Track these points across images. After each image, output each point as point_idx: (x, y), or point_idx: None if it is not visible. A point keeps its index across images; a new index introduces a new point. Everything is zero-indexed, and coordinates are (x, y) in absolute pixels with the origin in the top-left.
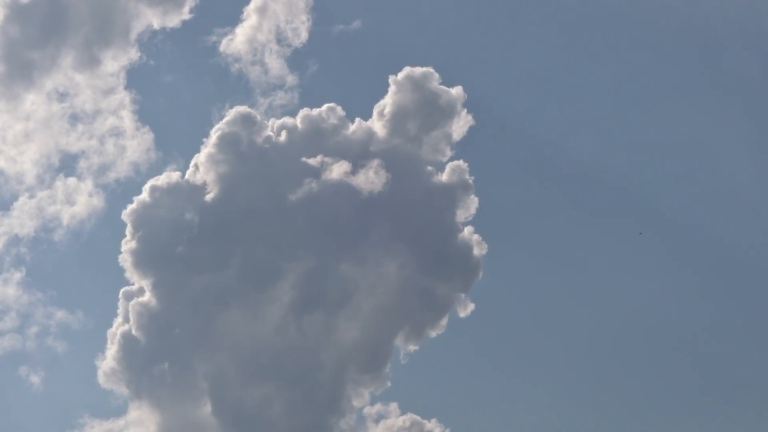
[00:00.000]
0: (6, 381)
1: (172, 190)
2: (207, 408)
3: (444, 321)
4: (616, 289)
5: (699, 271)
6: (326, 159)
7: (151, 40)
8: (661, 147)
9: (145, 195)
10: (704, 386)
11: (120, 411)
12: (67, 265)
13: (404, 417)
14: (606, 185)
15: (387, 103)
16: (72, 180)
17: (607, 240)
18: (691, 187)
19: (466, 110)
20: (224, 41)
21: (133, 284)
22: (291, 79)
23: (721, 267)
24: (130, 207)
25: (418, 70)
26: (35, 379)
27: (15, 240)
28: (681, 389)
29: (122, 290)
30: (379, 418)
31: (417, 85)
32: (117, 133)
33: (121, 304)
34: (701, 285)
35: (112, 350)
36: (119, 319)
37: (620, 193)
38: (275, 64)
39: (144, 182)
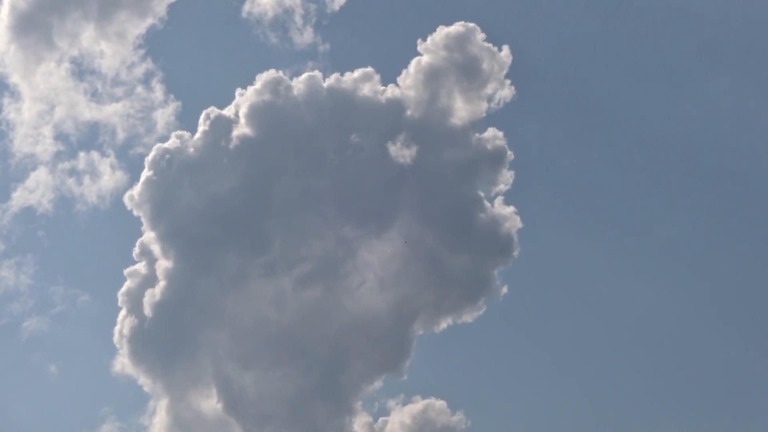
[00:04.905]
0: (22, 368)
1: (193, 161)
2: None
3: (475, 305)
4: (667, 266)
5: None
6: (356, 128)
7: (178, 5)
8: (718, 121)
9: (157, 168)
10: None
11: (138, 398)
12: (87, 245)
13: (426, 401)
14: (658, 160)
15: (422, 68)
16: (94, 154)
17: (653, 216)
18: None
19: (509, 81)
20: (250, 5)
21: (138, 264)
22: (323, 48)
23: None
24: (141, 183)
25: (455, 30)
26: (52, 366)
27: (32, 216)
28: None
29: (127, 271)
30: (400, 405)
31: (455, 46)
32: (141, 100)
33: (127, 287)
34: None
35: (124, 339)
36: (125, 308)
37: (672, 166)
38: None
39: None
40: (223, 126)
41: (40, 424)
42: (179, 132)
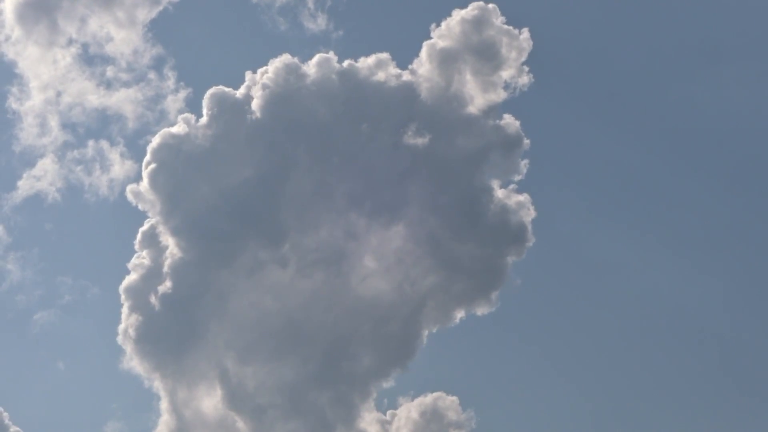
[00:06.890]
0: (29, 362)
1: (202, 152)
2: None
3: (489, 299)
4: (688, 255)
5: None
6: (370, 116)
7: None
8: (741, 108)
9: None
10: None
11: (144, 392)
12: (96, 236)
13: (436, 395)
14: (678, 149)
15: (436, 53)
16: (104, 143)
17: (672, 205)
18: None
19: (527, 68)
20: None
21: (138, 255)
22: (336, 35)
23: None
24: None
25: (471, 12)
26: (59, 360)
27: (40, 206)
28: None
29: (129, 264)
30: (409, 400)
31: (470, 30)
32: (152, 87)
33: (129, 279)
34: None
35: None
36: (128, 303)
37: (692, 155)
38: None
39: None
40: (229, 106)
41: (46, 420)
42: (186, 115)
